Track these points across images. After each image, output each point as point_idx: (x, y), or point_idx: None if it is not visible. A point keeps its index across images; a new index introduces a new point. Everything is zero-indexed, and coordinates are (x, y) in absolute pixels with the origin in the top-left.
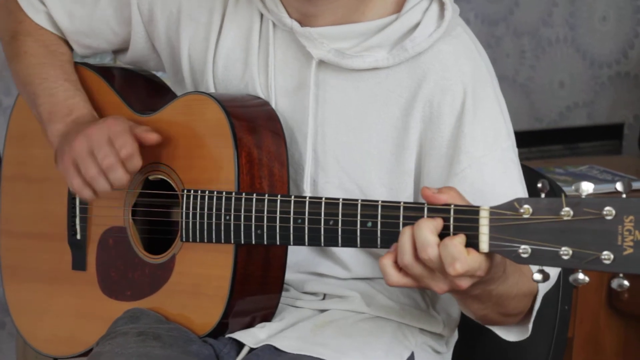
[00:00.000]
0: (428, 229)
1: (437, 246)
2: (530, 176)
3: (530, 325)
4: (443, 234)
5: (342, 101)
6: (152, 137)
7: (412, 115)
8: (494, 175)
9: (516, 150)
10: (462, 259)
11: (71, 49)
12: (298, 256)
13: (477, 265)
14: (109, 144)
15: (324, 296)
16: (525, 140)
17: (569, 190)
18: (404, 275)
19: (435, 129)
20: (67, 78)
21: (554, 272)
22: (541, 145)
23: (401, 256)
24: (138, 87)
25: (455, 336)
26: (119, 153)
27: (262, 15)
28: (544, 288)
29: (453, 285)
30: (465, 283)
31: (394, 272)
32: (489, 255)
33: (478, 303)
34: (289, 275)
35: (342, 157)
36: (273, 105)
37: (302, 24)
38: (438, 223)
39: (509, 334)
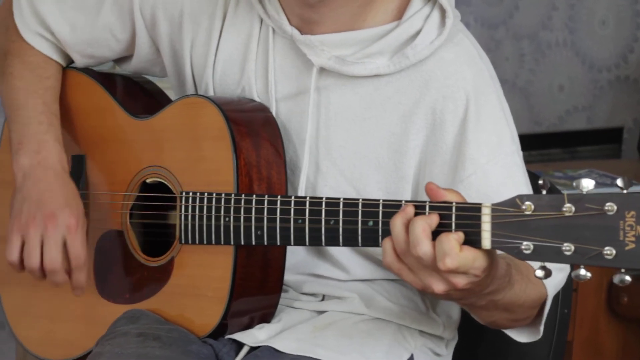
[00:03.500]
0: (420, 227)
1: (428, 244)
2: (530, 180)
3: (542, 328)
4: (444, 232)
5: (341, 106)
6: None
7: (413, 122)
8: (498, 181)
9: (521, 153)
10: (452, 254)
11: (63, 66)
12: (296, 258)
13: (469, 262)
14: (62, 249)
15: (323, 297)
16: (525, 143)
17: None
18: (399, 260)
19: (438, 136)
20: (44, 110)
21: (562, 274)
22: (540, 149)
23: (397, 245)
24: (134, 91)
25: (455, 338)
26: (70, 262)
27: (261, 22)
28: (552, 291)
29: (449, 284)
30: (460, 281)
31: (392, 253)
32: (489, 256)
33: (486, 311)
34: (288, 277)
35: (340, 160)
36: (273, 111)
37: (302, 31)
38: (432, 220)
39: (520, 335)
